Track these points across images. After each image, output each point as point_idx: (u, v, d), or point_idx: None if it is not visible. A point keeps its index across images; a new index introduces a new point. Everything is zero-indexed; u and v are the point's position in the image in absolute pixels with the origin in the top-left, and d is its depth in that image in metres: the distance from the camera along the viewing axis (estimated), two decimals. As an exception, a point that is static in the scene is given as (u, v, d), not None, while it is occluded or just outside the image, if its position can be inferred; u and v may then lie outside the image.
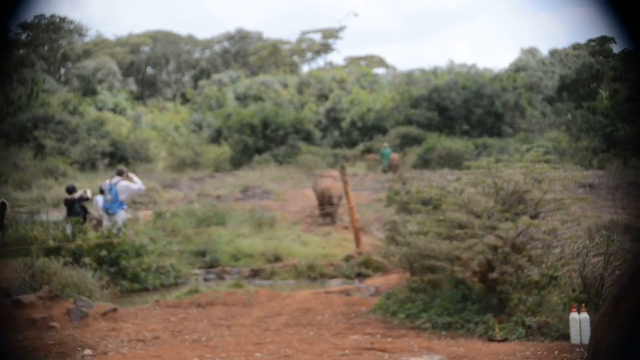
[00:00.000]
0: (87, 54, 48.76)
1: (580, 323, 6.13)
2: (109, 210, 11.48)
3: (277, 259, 11.84)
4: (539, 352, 5.73)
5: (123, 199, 11.50)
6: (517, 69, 37.81)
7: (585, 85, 34.64)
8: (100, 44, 51.59)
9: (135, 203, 17.96)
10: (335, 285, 10.43)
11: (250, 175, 27.37)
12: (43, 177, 23.70)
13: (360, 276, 10.90)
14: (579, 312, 6.18)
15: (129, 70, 51.89)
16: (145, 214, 15.03)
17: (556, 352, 5.71)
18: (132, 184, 11.62)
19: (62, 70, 50.20)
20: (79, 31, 50.22)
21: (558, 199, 7.28)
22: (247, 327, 7.13)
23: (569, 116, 31.30)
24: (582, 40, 41.25)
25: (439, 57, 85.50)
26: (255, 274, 11.29)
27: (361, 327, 7.07)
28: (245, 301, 8.43)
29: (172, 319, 7.55)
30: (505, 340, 6.29)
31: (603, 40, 39.64)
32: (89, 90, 41.64)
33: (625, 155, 26.45)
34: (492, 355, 5.63)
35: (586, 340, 6.09)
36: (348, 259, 11.47)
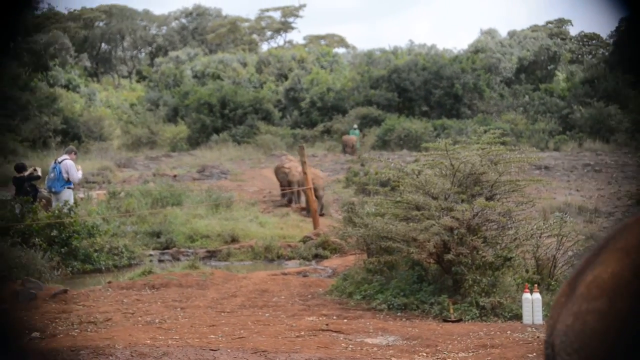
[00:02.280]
0: (38, 27, 47.00)
1: (532, 303, 6.24)
2: (51, 189, 11.13)
3: (234, 239, 11.72)
4: (492, 332, 5.82)
5: (66, 178, 11.15)
6: (476, 50, 38.02)
7: (543, 67, 35.23)
8: (52, 17, 49.83)
9: (88, 182, 17.53)
10: (292, 266, 10.39)
11: (208, 154, 27.00)
12: (-10, 154, 22.89)
13: (317, 257, 10.87)
14: (532, 292, 6.29)
15: (82, 45, 50.39)
16: (98, 193, 14.68)
17: (508, 332, 5.80)
18: (74, 165, 11.24)
19: (11, 44, 48.40)
20: (29, 3, 48.45)
21: (513, 180, 7.37)
22: (201, 309, 7.03)
23: (526, 98, 31.84)
24: (540, 22, 41.89)
25: (399, 37, 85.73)
26: (211, 255, 11.16)
27: (317, 308, 7.05)
28: (200, 282, 8.31)
29: (125, 300, 7.40)
30: (459, 320, 6.36)
31: (560, 22, 40.41)
32: (39, 65, 40.24)
33: (580, 137, 27.25)
34: (445, 336, 5.68)
35: (538, 320, 6.20)
36: (305, 240, 11.43)
